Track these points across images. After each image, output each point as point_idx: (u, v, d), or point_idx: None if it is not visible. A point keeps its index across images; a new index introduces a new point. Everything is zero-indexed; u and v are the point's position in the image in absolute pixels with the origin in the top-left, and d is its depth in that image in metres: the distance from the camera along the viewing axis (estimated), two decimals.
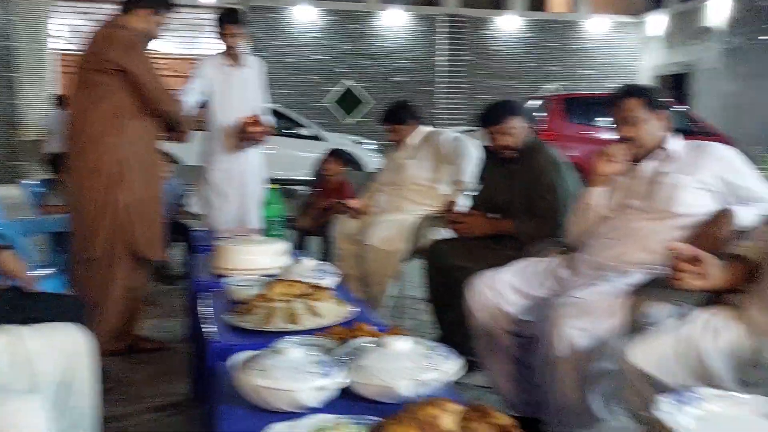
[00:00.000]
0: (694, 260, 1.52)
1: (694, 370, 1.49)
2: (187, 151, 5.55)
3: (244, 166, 3.85)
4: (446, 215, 3.00)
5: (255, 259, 2.35)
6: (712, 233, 1.91)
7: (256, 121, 3.70)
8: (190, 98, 3.62)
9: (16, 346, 1.49)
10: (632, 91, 2.08)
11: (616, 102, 2.08)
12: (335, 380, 1.31)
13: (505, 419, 0.79)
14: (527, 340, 2.15)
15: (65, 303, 2.04)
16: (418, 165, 3.46)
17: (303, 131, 9.73)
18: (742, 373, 1.46)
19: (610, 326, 1.82)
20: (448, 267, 2.73)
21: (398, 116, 3.52)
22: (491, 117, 2.71)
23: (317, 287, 1.95)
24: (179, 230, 3.95)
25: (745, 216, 1.90)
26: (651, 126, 2.05)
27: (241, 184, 3.84)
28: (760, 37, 10.86)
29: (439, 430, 0.73)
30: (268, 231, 2.76)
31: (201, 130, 3.74)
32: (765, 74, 10.69)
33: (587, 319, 1.82)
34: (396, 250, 3.24)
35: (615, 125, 2.10)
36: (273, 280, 2.00)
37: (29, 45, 10.81)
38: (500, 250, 2.58)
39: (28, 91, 10.79)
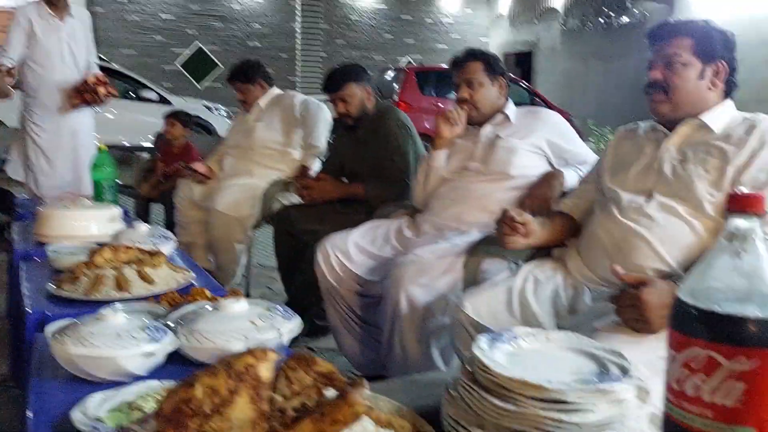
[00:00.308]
0: (514, 221, 1.60)
1: (520, 319, 1.59)
2: (6, 111, 5.01)
3: (76, 127, 3.53)
4: (296, 180, 2.97)
5: (81, 225, 2.18)
6: (543, 193, 2.05)
7: (101, 81, 3.39)
8: (10, 53, 3.24)
9: None
10: (474, 54, 2.17)
11: (457, 64, 2.15)
12: (163, 345, 1.24)
13: (327, 366, 0.77)
14: (373, 300, 2.19)
15: None
16: (268, 128, 3.36)
17: (148, 94, 9.10)
18: (561, 319, 1.58)
19: (449, 282, 1.89)
20: (298, 231, 2.71)
21: (245, 75, 3.38)
22: (330, 84, 2.72)
23: (149, 253, 1.84)
24: (1, 198, 3.56)
25: (570, 177, 2.06)
26: (489, 91, 2.14)
27: (73, 147, 3.52)
28: (593, 20, 11.75)
29: (256, 379, 0.70)
30: (97, 195, 2.56)
31: (19, 88, 3.37)
32: (597, 54, 11.61)
33: (427, 276, 1.88)
34: (244, 216, 3.16)
35: (456, 87, 2.17)
36: (102, 245, 1.86)
37: None
38: (349, 213, 2.59)
39: None
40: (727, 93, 1.54)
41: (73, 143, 3.52)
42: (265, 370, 0.72)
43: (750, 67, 4.58)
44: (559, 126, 2.16)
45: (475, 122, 2.18)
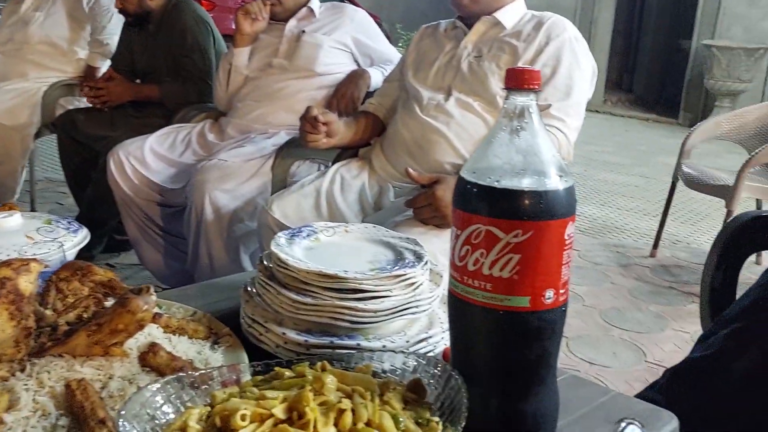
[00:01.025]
0: (317, 120, 1.54)
1: (327, 219, 1.60)
2: None
3: None
4: (84, 83, 2.66)
5: None
6: (350, 92, 2.03)
7: None
8: None
9: None
10: None
11: None
12: None
13: (107, 274, 0.71)
14: (176, 209, 2.08)
15: None
16: (50, 20, 2.91)
17: None
18: (366, 217, 1.61)
19: (257, 186, 1.85)
20: (86, 139, 2.46)
21: None
22: None
23: None
24: None
25: (375, 77, 2.06)
26: None
27: None
28: None
29: (16, 293, 0.62)
30: None
31: None
32: None
33: (233, 181, 1.82)
34: (22, 124, 2.78)
35: None
36: None
37: None
38: (144, 117, 2.40)
39: None
40: None
41: None
42: (26, 283, 0.63)
43: None
44: (365, 23, 2.13)
45: (279, 18, 2.07)
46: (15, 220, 1.24)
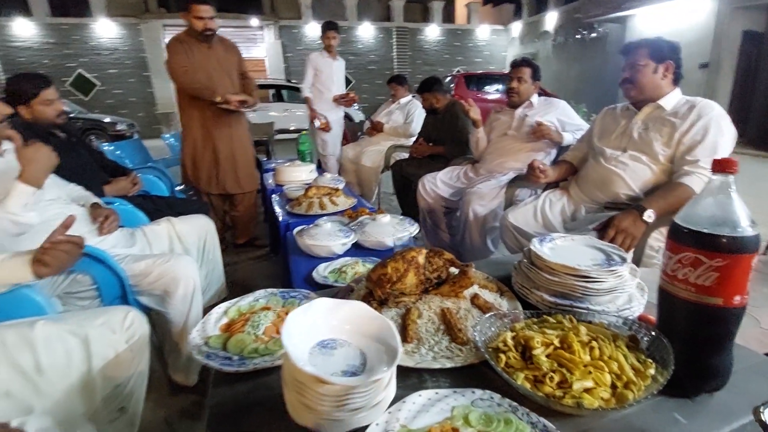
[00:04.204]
0: (540, 170, 1.46)
1: (541, 224, 1.50)
2: None
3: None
4: (412, 146, 2.83)
5: (298, 174, 2.25)
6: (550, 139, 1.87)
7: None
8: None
9: (170, 228, 1.42)
10: (527, 61, 1.94)
11: (515, 65, 1.94)
12: (351, 239, 1.28)
13: (450, 255, 0.76)
14: (452, 211, 2.15)
15: (195, 203, 1.96)
16: (398, 116, 3.23)
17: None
18: (566, 224, 1.47)
19: (497, 203, 1.81)
20: (406, 174, 2.66)
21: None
22: (423, 87, 2.55)
23: (333, 189, 1.89)
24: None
25: (568, 138, 1.86)
26: (528, 86, 1.93)
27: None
28: (572, 37, 10.27)
29: (417, 264, 0.70)
30: (302, 159, 2.61)
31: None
32: (576, 60, 10.24)
33: (484, 200, 1.80)
34: (376, 167, 3.14)
35: (510, 79, 1.95)
36: (308, 185, 1.93)
37: (154, 52, 9.63)
38: (435, 163, 2.50)
39: (157, 82, 9.77)
40: (675, 82, 1.30)
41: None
42: (421, 258, 0.71)
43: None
44: (565, 108, 1.92)
45: (514, 105, 1.99)
46: (386, 218, 1.40)
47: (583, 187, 1.46)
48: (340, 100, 3.11)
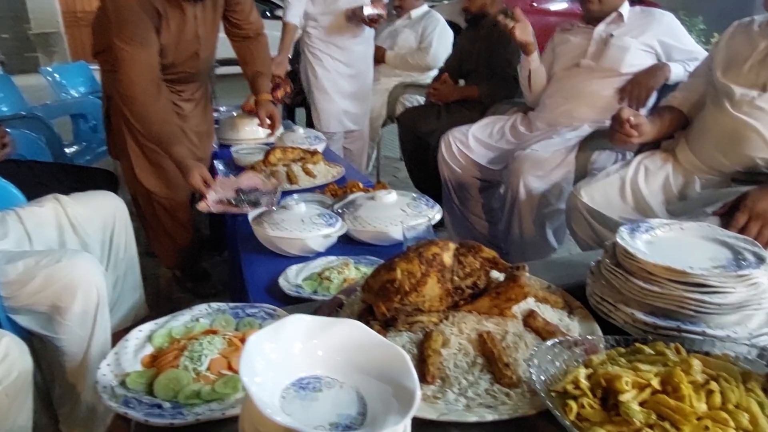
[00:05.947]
0: (630, 123, 1.43)
1: (631, 205, 1.52)
2: None
3: None
4: (431, 85, 2.76)
5: (251, 129, 2.27)
6: (646, 82, 1.87)
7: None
8: None
9: (60, 211, 1.43)
10: None
11: None
12: (336, 229, 1.30)
13: (491, 253, 0.78)
14: (491, 186, 2.16)
15: (98, 173, 1.97)
16: (407, 37, 3.22)
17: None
18: (670, 205, 1.49)
19: (563, 173, 1.82)
20: (420, 132, 2.66)
21: None
22: None
23: (309, 152, 1.90)
24: None
25: (677, 72, 1.86)
26: None
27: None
28: None
29: (441, 265, 0.72)
30: None
31: None
32: None
33: (543, 168, 1.82)
34: (375, 117, 3.14)
35: None
36: (271, 147, 1.94)
37: None
38: (467, 112, 2.50)
39: None
40: None
41: None
42: (448, 257, 0.73)
43: None
44: (672, 25, 1.91)
45: (593, 19, 1.98)
46: (392, 196, 1.42)
47: (699, 149, 1.47)
48: (359, 16, 2.73)
